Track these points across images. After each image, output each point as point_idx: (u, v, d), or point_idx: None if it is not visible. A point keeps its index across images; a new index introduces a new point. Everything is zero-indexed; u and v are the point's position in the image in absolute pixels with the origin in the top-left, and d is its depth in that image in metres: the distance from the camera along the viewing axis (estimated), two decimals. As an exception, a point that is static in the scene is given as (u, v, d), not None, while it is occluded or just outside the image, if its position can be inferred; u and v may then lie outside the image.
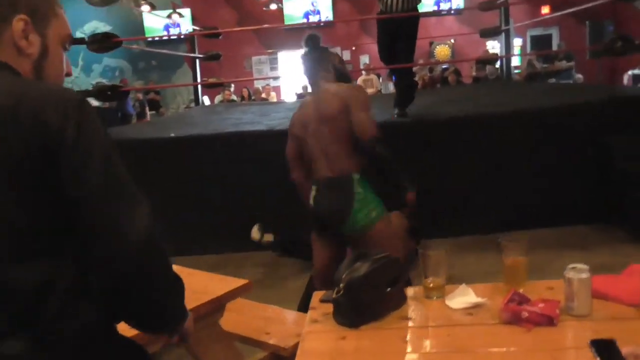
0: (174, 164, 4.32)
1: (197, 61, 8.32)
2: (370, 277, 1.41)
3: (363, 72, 10.91)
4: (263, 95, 10.85)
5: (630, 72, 11.00)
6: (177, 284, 1.17)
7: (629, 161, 3.88)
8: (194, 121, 5.99)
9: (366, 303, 1.40)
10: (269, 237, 3.56)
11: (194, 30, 11.68)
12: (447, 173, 4.24)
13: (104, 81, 14.27)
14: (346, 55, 13.73)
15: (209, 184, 4.24)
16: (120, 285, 1.06)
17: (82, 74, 13.98)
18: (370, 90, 10.45)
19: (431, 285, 1.54)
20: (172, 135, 4.39)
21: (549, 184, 4.24)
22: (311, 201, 2.54)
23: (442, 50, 13.30)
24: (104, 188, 1.03)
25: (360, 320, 1.40)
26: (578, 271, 1.41)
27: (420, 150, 4.19)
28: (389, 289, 1.45)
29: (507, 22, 8.10)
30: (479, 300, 1.49)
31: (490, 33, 7.83)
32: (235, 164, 4.19)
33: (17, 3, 1.09)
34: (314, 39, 2.81)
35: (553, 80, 11.72)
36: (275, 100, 11.18)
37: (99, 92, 4.57)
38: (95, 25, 13.64)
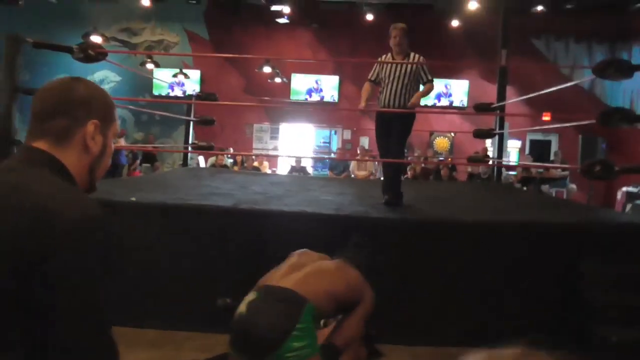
0: (132, 229, 4.17)
1: (192, 123, 8.39)
2: None
3: (358, 154, 10.93)
4: (255, 164, 10.84)
5: (624, 189, 10.98)
6: None
7: (596, 291, 3.71)
8: (170, 184, 5.90)
9: None
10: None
11: (199, 91, 11.86)
12: (412, 277, 4.07)
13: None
14: (347, 135, 13.86)
15: (162, 254, 4.07)
16: None
17: (84, 119, 14.08)
18: (362, 173, 10.46)
19: None
20: (133, 199, 4.27)
21: (516, 302, 4.05)
22: (242, 308, 2.19)
23: (441, 142, 13.41)
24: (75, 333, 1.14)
25: None
26: None
27: (387, 249, 4.05)
28: None
29: (501, 126, 8.16)
30: None
31: (483, 134, 7.86)
32: (192, 238, 4.05)
33: (92, 109, 1.30)
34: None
35: (547, 186, 11.72)
36: (267, 170, 11.16)
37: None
38: (106, 74, 13.89)
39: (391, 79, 4.91)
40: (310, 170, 12.09)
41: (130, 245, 4.14)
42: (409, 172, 9.60)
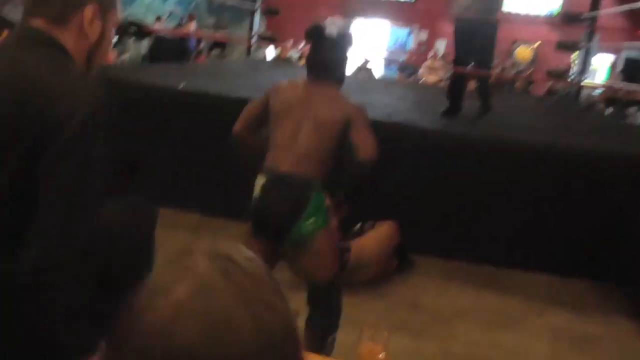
0: (177, 115, 4.20)
1: (258, 12, 8.15)
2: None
3: (429, 58, 10.40)
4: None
5: None
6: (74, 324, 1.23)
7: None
8: (226, 74, 5.84)
9: None
10: None
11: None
12: (453, 192, 3.91)
13: (179, 9, 14.37)
14: (422, 36, 13.16)
15: (203, 143, 4.10)
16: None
17: (159, 0, 14.05)
18: (433, 78, 9.98)
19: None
20: (182, 86, 4.24)
21: (561, 231, 3.84)
22: (257, 191, 2.25)
23: (523, 52, 12.48)
24: (64, 198, 1.19)
25: None
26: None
27: (432, 161, 3.87)
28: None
29: (590, 39, 7.44)
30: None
31: (567, 47, 7.20)
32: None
33: None
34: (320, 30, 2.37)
35: (635, 109, 10.83)
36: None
37: (125, 29, 4.47)
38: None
39: None
40: (380, 70, 11.68)
41: (175, 129, 4.19)
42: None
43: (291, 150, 2.25)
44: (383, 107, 4.81)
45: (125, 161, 4.28)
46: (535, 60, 12.55)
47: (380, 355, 1.29)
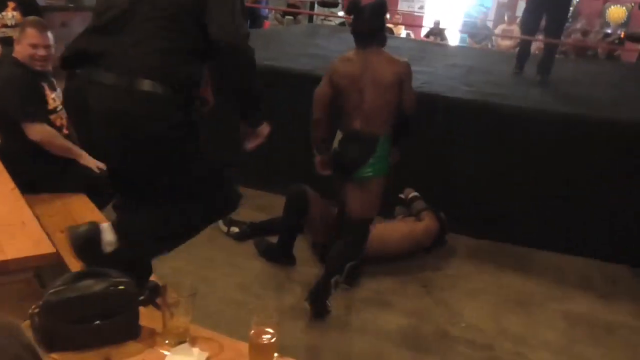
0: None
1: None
2: (71, 305, 1.25)
3: (505, 21, 9.79)
4: (388, 25, 10.19)
5: None
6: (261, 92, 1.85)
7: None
8: (275, 41, 5.82)
9: (61, 331, 1.25)
10: (234, 229, 3.51)
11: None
12: (489, 168, 3.72)
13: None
14: (503, -2, 12.40)
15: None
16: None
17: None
18: (506, 43, 9.41)
19: (173, 328, 1.34)
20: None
21: (599, 208, 3.57)
22: (336, 144, 2.89)
23: (615, 12, 11.40)
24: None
25: (54, 346, 1.26)
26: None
27: (481, 136, 3.70)
28: (98, 322, 1.27)
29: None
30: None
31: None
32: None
33: None
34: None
35: None
36: (401, 33, 10.48)
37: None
38: None
39: None
40: (454, 35, 11.18)
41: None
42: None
43: (360, 112, 2.80)
44: (422, 75, 4.61)
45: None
46: (628, 22, 11.47)
47: (265, 337, 1.27)
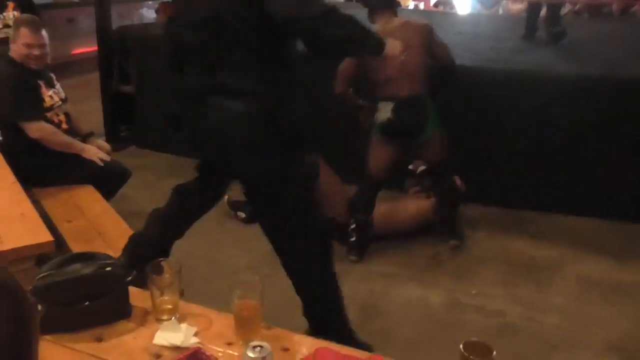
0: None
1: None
2: (60, 288, 1.28)
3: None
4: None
5: None
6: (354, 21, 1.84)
7: None
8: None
9: (52, 314, 1.28)
10: (241, 214, 3.51)
11: None
12: (498, 132, 3.67)
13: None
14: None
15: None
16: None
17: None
18: (517, 7, 9.20)
19: (162, 305, 1.36)
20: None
21: (611, 168, 3.50)
22: (389, 115, 2.99)
23: (631, -32, 11.06)
24: None
25: (46, 329, 1.29)
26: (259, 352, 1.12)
27: (487, 102, 3.65)
28: (87, 303, 1.30)
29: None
30: (182, 340, 1.27)
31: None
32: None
33: None
34: None
35: None
36: (409, 4, 10.31)
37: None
38: None
39: None
40: (465, 2, 10.95)
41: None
42: (567, 7, 8.18)
43: (403, 78, 2.97)
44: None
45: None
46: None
47: (249, 309, 1.29)
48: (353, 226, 3.13)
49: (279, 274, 2.97)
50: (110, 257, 1.37)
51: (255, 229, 3.42)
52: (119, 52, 4.50)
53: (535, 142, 3.61)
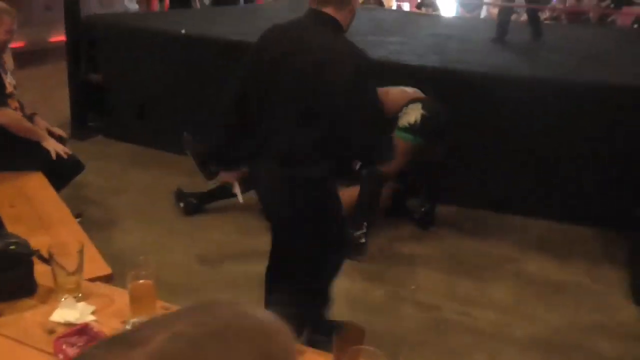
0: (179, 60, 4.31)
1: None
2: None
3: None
4: (380, -2, 10.05)
5: None
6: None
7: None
8: (262, 17, 5.84)
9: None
10: (181, 204, 3.55)
11: None
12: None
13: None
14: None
15: (209, 88, 4.19)
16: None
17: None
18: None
19: (65, 284, 1.41)
20: (183, 32, 4.32)
21: (563, 171, 3.58)
22: (415, 117, 3.16)
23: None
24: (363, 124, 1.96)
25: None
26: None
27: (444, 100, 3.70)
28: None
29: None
30: (77, 318, 1.32)
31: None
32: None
33: None
34: None
35: None
36: (392, 4, 10.36)
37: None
38: None
39: None
40: (449, 5, 11.01)
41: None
42: (547, 13, 8.28)
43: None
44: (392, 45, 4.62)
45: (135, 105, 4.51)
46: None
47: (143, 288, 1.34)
48: (364, 230, 3.12)
49: (226, 264, 3.04)
50: (18, 237, 1.41)
51: (210, 219, 3.51)
52: (86, 41, 4.52)
53: (490, 143, 3.68)
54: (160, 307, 1.40)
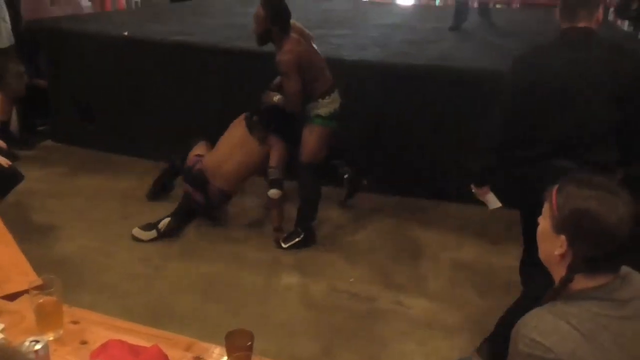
0: (126, 64, 4.31)
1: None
2: None
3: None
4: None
5: None
6: None
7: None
8: (209, 12, 5.83)
9: None
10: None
11: None
12: (390, 121, 3.82)
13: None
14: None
15: (155, 90, 4.21)
16: None
17: None
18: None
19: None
20: (125, 33, 4.31)
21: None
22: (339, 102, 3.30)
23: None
24: None
25: None
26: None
27: (381, 93, 3.80)
28: None
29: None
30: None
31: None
32: (176, 76, 4.12)
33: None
34: None
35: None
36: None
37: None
38: None
39: None
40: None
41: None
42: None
43: (325, 70, 3.30)
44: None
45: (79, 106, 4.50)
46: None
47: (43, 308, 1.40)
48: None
49: (168, 266, 3.10)
50: None
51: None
52: (29, 45, 4.48)
53: (429, 133, 3.78)
54: (69, 322, 1.46)
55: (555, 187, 1.20)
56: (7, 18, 4.21)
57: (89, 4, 9.20)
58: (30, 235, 3.11)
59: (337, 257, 3.20)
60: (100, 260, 3.08)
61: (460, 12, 5.31)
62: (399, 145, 3.85)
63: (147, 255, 3.16)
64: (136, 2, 11.00)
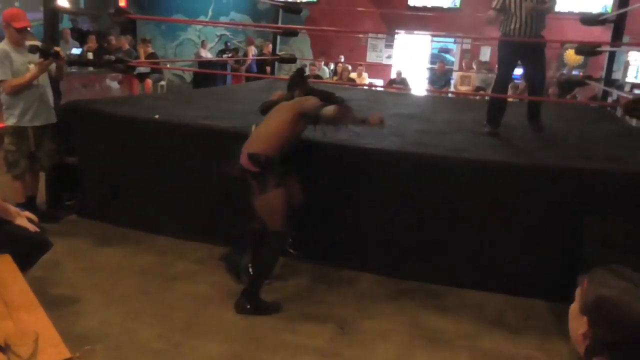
0: (153, 143, 4.50)
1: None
2: None
3: (463, 68, 10.21)
4: (352, 75, 10.60)
5: None
6: None
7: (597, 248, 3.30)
8: (224, 99, 6.11)
9: None
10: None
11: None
12: (409, 207, 3.92)
13: (228, 34, 15.00)
14: (466, 45, 12.92)
15: (179, 171, 4.38)
16: None
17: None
18: (465, 89, 9.81)
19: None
20: (156, 117, 4.55)
21: (515, 245, 3.76)
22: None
23: (573, 55, 11.89)
24: None
25: None
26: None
27: (399, 182, 3.92)
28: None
29: (616, 38, 7.07)
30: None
31: (586, 52, 6.85)
32: (202, 158, 4.30)
33: None
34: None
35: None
36: (365, 81, 10.87)
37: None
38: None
39: (518, 4, 4.81)
40: (421, 82, 11.58)
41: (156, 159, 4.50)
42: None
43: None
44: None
45: (108, 186, 4.67)
46: (587, 64, 11.95)
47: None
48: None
49: (187, 344, 3.11)
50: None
51: (176, 298, 3.59)
52: (63, 125, 4.72)
53: (446, 221, 3.87)
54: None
55: (589, 274, 1.31)
56: (52, 99, 4.49)
57: (118, 86, 9.76)
58: (52, 308, 3.14)
59: (355, 341, 3.19)
60: (120, 337, 3.10)
61: (496, 109, 5.15)
62: (413, 231, 3.93)
63: (167, 332, 3.18)
64: (161, 86, 11.64)
